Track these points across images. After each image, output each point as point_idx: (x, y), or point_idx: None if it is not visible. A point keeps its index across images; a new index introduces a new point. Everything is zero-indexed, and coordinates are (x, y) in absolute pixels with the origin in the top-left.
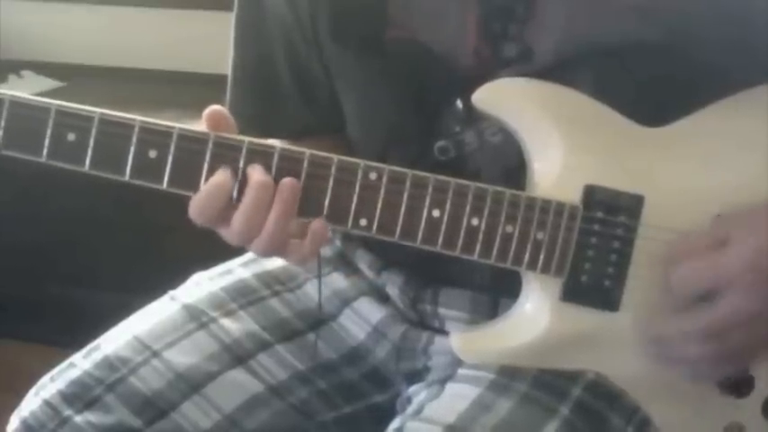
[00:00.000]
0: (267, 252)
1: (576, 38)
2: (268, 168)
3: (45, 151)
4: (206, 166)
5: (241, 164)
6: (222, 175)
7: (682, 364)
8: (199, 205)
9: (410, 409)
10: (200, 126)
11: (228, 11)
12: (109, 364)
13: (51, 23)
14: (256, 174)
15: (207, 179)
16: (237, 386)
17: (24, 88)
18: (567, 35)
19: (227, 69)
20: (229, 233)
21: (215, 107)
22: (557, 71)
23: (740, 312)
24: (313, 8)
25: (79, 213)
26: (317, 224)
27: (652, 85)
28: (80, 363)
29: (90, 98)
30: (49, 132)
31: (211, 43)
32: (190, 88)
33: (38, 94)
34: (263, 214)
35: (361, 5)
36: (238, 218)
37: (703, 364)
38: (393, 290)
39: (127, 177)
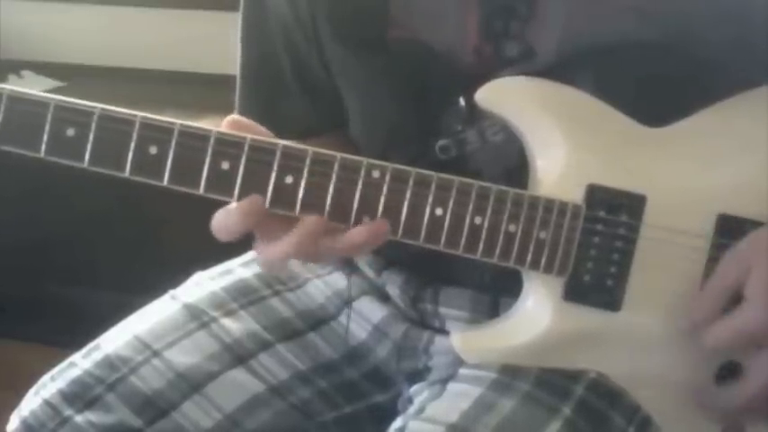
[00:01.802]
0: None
1: (577, 37)
2: (269, 166)
3: (43, 146)
4: (207, 163)
5: (243, 161)
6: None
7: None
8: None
9: (412, 409)
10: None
11: (228, 11)
12: (109, 363)
13: (51, 23)
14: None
15: (208, 176)
16: (238, 386)
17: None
18: (568, 34)
19: (227, 69)
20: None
21: (235, 117)
22: (558, 70)
23: None
24: (313, 8)
25: (79, 213)
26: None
27: (653, 85)
28: (80, 362)
29: (90, 98)
30: (47, 127)
31: (211, 43)
32: (190, 88)
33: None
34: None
35: (363, 5)
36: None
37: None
38: (393, 289)
39: (127, 174)
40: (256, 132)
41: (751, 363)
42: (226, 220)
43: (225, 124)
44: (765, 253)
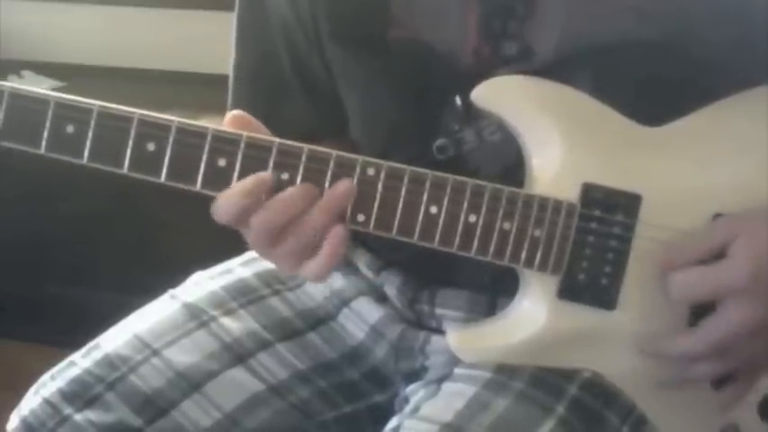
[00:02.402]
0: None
1: (576, 36)
2: (265, 163)
3: (44, 143)
4: (204, 160)
5: (239, 157)
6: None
7: (695, 382)
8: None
9: (407, 408)
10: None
11: (228, 11)
12: (109, 362)
13: (51, 23)
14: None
15: (205, 173)
16: (238, 385)
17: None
18: (566, 34)
19: (227, 69)
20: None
21: (237, 112)
22: (557, 70)
23: (744, 322)
24: (314, 7)
25: (79, 213)
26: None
27: (651, 85)
28: (80, 361)
29: (90, 98)
30: (47, 124)
31: (211, 43)
32: (190, 88)
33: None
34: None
35: (363, 5)
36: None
37: (715, 381)
38: (391, 290)
39: (125, 170)
40: (256, 129)
41: (726, 306)
42: (228, 198)
43: (227, 120)
44: (759, 223)
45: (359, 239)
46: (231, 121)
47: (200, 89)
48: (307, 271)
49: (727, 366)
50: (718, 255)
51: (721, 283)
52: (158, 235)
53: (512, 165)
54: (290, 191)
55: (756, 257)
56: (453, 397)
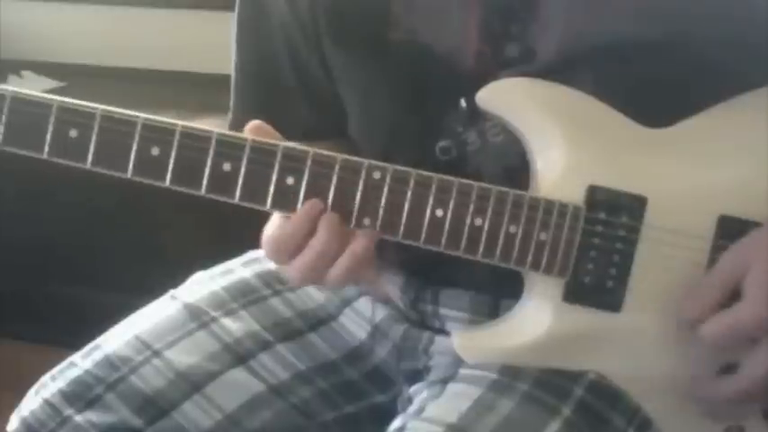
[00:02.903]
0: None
1: (578, 37)
2: (270, 167)
3: (47, 147)
4: (209, 164)
5: (244, 162)
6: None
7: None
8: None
9: (411, 409)
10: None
11: (229, 11)
12: (109, 363)
13: (51, 23)
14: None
15: (210, 177)
16: (238, 386)
17: (24, 88)
18: (568, 35)
19: (228, 69)
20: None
21: (256, 123)
22: (558, 71)
23: None
24: (314, 9)
25: (80, 213)
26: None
27: (653, 85)
28: (80, 362)
29: (90, 98)
30: (51, 129)
31: (212, 43)
32: (190, 88)
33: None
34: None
35: (364, 7)
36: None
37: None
38: (394, 290)
39: (129, 174)
40: (273, 137)
41: (747, 356)
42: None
43: (249, 129)
44: (765, 251)
45: None
46: (254, 131)
47: (200, 89)
48: (324, 281)
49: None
50: (734, 292)
51: (747, 328)
52: (159, 235)
53: (515, 166)
54: (294, 219)
55: None
56: (458, 398)
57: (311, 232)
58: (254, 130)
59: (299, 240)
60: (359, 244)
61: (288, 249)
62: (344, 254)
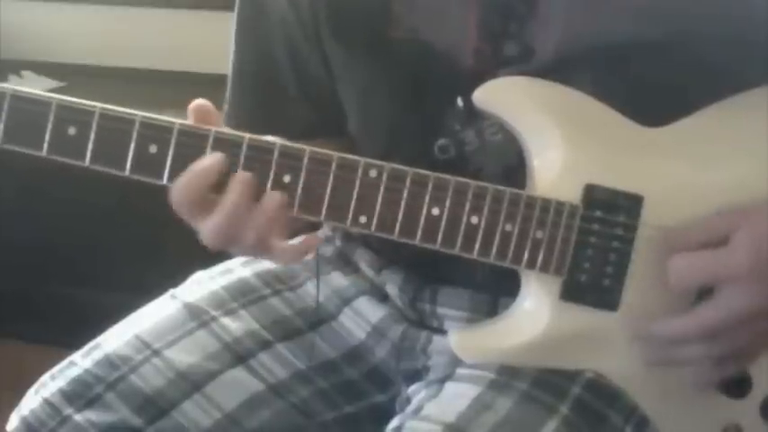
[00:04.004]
0: (245, 254)
1: (577, 37)
2: (267, 165)
3: (46, 145)
4: None
5: (241, 159)
6: (212, 159)
7: (682, 365)
8: (182, 184)
9: (409, 409)
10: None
11: (229, 11)
12: (109, 362)
13: (51, 23)
14: (242, 178)
15: None
16: (238, 385)
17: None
18: (567, 34)
19: (227, 69)
20: (205, 230)
21: (200, 101)
22: (557, 70)
23: (740, 310)
24: (314, 6)
25: (80, 213)
26: (309, 240)
27: (652, 85)
28: (80, 361)
29: (90, 98)
30: (49, 126)
31: (212, 43)
32: (190, 88)
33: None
34: (243, 220)
35: (364, 4)
36: (215, 218)
37: (704, 365)
38: (392, 289)
39: (127, 172)
40: (220, 122)
41: (723, 292)
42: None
43: (191, 108)
44: (759, 217)
45: (359, 239)
46: (193, 108)
47: (200, 89)
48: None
49: (717, 352)
50: (720, 244)
51: (720, 270)
52: (158, 235)
53: (513, 165)
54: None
55: (757, 249)
56: (456, 397)
57: (218, 185)
58: (195, 108)
59: (204, 191)
60: (272, 200)
61: (192, 197)
62: (256, 212)
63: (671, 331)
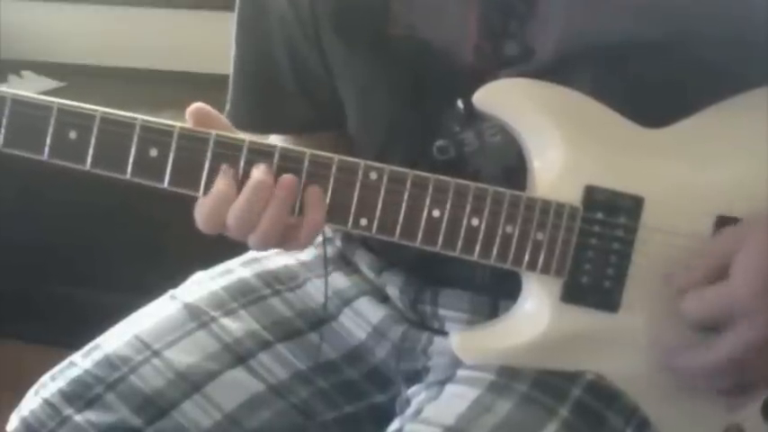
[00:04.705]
0: (262, 247)
1: (577, 36)
2: (269, 167)
3: (47, 149)
4: (207, 166)
5: (241, 163)
6: (224, 183)
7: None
8: (204, 213)
9: (409, 411)
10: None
11: (229, 11)
12: (109, 363)
13: (51, 23)
14: (257, 172)
15: (208, 178)
16: (238, 385)
17: (24, 88)
18: (567, 33)
19: (227, 69)
20: (227, 230)
21: (198, 104)
22: (556, 69)
23: (756, 340)
24: (313, 5)
25: (80, 213)
26: (313, 216)
27: (652, 85)
28: (80, 362)
29: (90, 98)
30: (50, 131)
31: (212, 43)
32: (190, 88)
33: (38, 94)
34: (258, 212)
35: (364, 2)
36: (233, 214)
37: (726, 392)
38: (393, 290)
39: (128, 176)
40: (216, 119)
41: (737, 324)
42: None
43: (189, 111)
44: (757, 235)
45: (360, 240)
46: (192, 111)
47: (200, 89)
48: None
49: (737, 380)
50: (722, 273)
51: (728, 306)
52: (158, 235)
53: (513, 166)
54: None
55: (757, 274)
56: (456, 399)
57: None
58: (193, 111)
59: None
60: (285, 179)
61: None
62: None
63: (689, 365)
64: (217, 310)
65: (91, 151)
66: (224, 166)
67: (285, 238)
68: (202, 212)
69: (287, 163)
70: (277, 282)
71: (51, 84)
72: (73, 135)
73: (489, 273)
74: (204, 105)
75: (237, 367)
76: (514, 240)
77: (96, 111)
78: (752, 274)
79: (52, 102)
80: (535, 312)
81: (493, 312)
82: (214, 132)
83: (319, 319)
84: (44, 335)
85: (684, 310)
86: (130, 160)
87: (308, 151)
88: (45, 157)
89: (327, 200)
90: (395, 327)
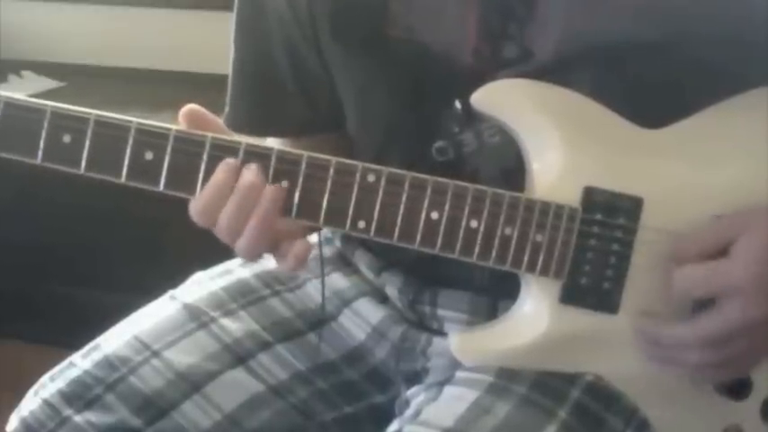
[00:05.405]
0: (248, 255)
1: (576, 38)
2: (265, 170)
3: (40, 153)
4: (203, 168)
5: (238, 165)
6: (223, 173)
7: (682, 368)
8: (201, 204)
9: (408, 413)
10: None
11: (229, 11)
12: (109, 363)
13: (51, 23)
14: (248, 174)
15: (204, 181)
16: (238, 386)
17: (24, 88)
18: (566, 35)
19: (227, 69)
20: (217, 230)
21: (190, 106)
22: (556, 71)
23: (742, 320)
24: (312, 6)
25: (79, 213)
26: (299, 245)
27: (651, 85)
28: (80, 362)
29: (89, 98)
30: (44, 134)
31: (212, 43)
32: (190, 88)
33: (37, 95)
34: (247, 214)
35: (362, 4)
36: (223, 216)
37: (704, 370)
38: (392, 291)
39: (123, 179)
40: (212, 122)
41: (726, 302)
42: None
43: (183, 112)
44: (759, 224)
45: (359, 241)
46: (185, 113)
47: (199, 89)
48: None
49: (715, 359)
50: (722, 252)
51: (721, 282)
52: (158, 235)
53: (512, 167)
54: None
55: (757, 259)
56: (455, 401)
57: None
58: (187, 113)
59: None
60: (274, 191)
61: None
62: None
63: (672, 337)
64: (216, 311)
65: (85, 155)
66: (225, 159)
67: (274, 250)
68: (199, 204)
69: (284, 165)
70: (277, 282)
71: (51, 84)
72: (67, 139)
73: (488, 273)
74: (198, 107)
75: (237, 368)
76: (513, 242)
77: (90, 114)
78: (752, 258)
79: (46, 105)
80: (534, 314)
81: (492, 313)
82: (210, 135)
83: (319, 320)
84: (44, 335)
85: (678, 281)
86: (125, 164)
87: (306, 153)
88: (38, 160)
89: (325, 202)
90: (394, 327)
